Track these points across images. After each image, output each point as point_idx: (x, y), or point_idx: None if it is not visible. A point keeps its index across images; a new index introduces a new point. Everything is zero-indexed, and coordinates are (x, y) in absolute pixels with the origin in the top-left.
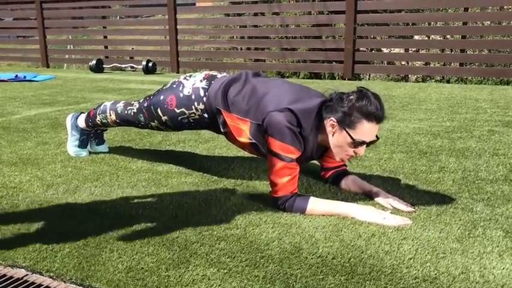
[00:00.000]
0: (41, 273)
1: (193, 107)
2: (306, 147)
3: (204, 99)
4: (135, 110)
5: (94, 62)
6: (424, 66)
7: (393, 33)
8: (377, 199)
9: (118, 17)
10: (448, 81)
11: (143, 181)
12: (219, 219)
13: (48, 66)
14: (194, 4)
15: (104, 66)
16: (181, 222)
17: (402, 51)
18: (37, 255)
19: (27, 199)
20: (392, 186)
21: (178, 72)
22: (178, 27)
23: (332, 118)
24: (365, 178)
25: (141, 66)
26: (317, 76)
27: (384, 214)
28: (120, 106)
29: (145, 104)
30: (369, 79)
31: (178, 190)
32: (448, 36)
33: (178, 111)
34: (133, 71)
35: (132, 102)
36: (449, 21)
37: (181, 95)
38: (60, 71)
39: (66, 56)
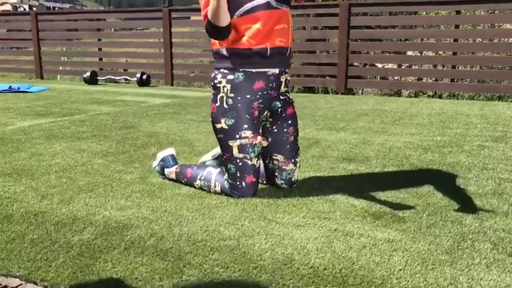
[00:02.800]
0: (35, 283)
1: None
2: None
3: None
4: (226, 167)
5: (88, 73)
6: (417, 82)
7: (386, 48)
8: None
9: (113, 29)
10: (440, 97)
11: (137, 192)
12: (212, 230)
13: (42, 78)
14: (189, 18)
15: (98, 78)
16: (175, 233)
17: (395, 66)
18: (31, 264)
19: (21, 209)
20: (384, 199)
21: (172, 85)
22: (173, 40)
23: None
24: (357, 192)
25: (135, 79)
26: (311, 90)
27: None
28: (223, 179)
29: (224, 156)
30: (362, 93)
31: (172, 201)
32: (440, 52)
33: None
34: (127, 83)
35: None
36: (441, 38)
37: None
38: (54, 82)
39: (60, 68)
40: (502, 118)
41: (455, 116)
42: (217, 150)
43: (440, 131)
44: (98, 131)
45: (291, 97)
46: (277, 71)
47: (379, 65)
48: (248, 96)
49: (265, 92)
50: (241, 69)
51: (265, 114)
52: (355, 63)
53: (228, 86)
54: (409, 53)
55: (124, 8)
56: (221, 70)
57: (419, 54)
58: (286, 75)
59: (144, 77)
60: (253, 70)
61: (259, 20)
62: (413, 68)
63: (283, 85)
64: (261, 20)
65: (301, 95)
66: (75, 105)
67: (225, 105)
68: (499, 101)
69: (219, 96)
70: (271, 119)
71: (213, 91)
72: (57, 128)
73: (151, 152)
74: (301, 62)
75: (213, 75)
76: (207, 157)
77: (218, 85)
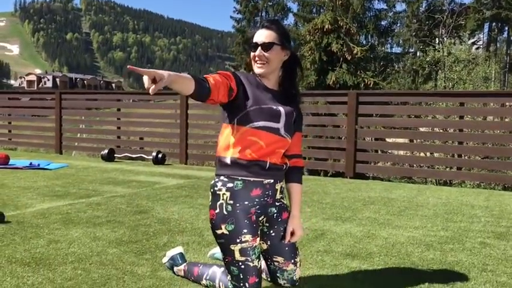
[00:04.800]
0: None
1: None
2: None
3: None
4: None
5: (106, 151)
6: (426, 169)
7: (394, 136)
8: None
9: (131, 101)
10: (448, 182)
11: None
12: None
13: (61, 153)
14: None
15: (115, 155)
16: None
17: (408, 153)
18: None
19: None
20: None
21: (186, 164)
22: (188, 121)
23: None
24: None
25: (151, 157)
26: (319, 173)
27: None
28: (227, 279)
29: (226, 259)
30: (370, 177)
31: None
32: (449, 142)
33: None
34: (142, 161)
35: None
36: (447, 128)
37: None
38: (72, 159)
39: (76, 144)
40: (506, 211)
41: (460, 207)
42: None
43: (444, 224)
44: (112, 216)
45: (285, 202)
46: (272, 180)
47: (389, 151)
48: (246, 202)
49: (262, 199)
50: (240, 178)
51: (261, 219)
52: (363, 148)
53: (228, 194)
54: (417, 140)
55: (143, 91)
56: (221, 178)
57: (427, 142)
58: (281, 183)
59: (160, 155)
60: (251, 179)
61: (266, 138)
62: (421, 155)
63: (278, 192)
64: (267, 140)
65: (311, 178)
66: (92, 185)
67: (224, 212)
68: (505, 190)
69: (218, 203)
70: (267, 224)
71: (211, 197)
72: (74, 211)
73: (162, 242)
74: (311, 146)
75: (212, 182)
76: (217, 249)
77: (218, 192)
